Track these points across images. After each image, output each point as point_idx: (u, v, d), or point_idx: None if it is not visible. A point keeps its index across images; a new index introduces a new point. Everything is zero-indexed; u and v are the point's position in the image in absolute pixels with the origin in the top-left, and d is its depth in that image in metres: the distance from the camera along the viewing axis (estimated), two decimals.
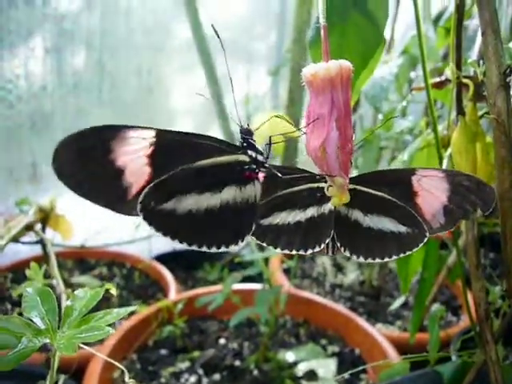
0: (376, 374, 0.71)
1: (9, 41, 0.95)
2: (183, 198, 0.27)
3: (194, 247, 0.28)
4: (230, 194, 0.28)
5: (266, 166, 0.28)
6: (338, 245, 0.32)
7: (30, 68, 0.99)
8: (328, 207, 0.32)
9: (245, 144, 0.28)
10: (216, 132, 1.23)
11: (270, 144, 0.29)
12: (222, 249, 0.28)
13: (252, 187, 0.28)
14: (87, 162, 0.25)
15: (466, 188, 0.30)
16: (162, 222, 0.27)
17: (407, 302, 0.94)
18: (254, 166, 0.28)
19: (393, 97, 0.87)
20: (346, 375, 0.72)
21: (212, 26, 0.28)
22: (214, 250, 0.28)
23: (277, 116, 0.30)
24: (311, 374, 0.72)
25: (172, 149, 0.27)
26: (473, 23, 0.72)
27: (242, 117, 0.29)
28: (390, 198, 0.31)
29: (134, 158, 0.26)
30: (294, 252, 0.32)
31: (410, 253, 0.31)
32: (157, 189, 0.26)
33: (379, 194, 0.31)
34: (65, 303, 0.43)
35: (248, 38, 1.25)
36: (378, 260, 0.32)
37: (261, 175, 0.31)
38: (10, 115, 0.96)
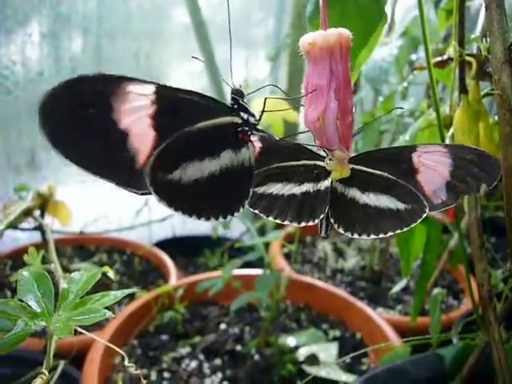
0: (377, 357, 0.71)
1: (5, 26, 0.93)
2: (187, 166, 0.25)
3: (203, 219, 0.26)
4: (227, 158, 0.27)
5: (258, 128, 0.27)
6: (332, 221, 0.32)
7: (26, 54, 0.97)
8: (324, 184, 0.32)
9: (235, 106, 0.27)
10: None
11: (263, 107, 0.28)
12: (227, 217, 0.27)
13: (246, 150, 0.27)
14: (85, 122, 0.22)
15: (469, 161, 0.29)
16: (172, 194, 0.25)
17: (408, 287, 0.94)
18: (247, 128, 0.27)
19: (393, 79, 0.86)
20: (348, 359, 0.72)
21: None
22: (220, 218, 0.27)
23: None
24: (312, 359, 0.72)
25: (173, 108, 0.25)
26: (475, 3, 0.71)
27: (231, 83, 0.28)
28: (388, 176, 0.30)
29: (136, 118, 0.23)
30: (286, 222, 0.32)
31: (406, 229, 0.30)
32: (162, 157, 0.24)
33: (377, 172, 0.30)
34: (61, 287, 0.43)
35: (246, 23, 1.23)
36: (372, 236, 0.31)
37: (258, 145, 0.31)
38: (7, 101, 0.95)
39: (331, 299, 0.83)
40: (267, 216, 0.32)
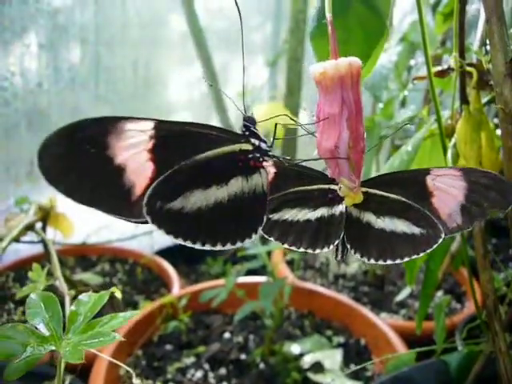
0: (382, 363, 0.71)
1: (3, 38, 0.93)
2: (190, 194, 0.25)
3: (208, 246, 0.26)
4: (237, 185, 0.26)
5: (270, 154, 0.27)
6: (349, 247, 0.32)
7: (25, 65, 0.97)
8: (339, 209, 0.31)
9: (247, 132, 0.27)
10: (215, 124, 1.22)
11: (274, 134, 0.28)
12: (237, 244, 0.27)
13: (258, 177, 0.27)
14: (81, 161, 0.23)
15: (484, 185, 0.29)
16: (171, 222, 0.25)
17: (411, 291, 0.94)
18: (258, 155, 0.27)
19: (392, 85, 0.86)
20: (353, 365, 0.72)
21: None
22: (228, 246, 0.27)
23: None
24: (317, 366, 0.72)
25: (173, 141, 0.25)
26: (472, 8, 0.71)
27: (241, 107, 0.29)
28: (403, 199, 0.30)
29: (133, 153, 0.24)
30: (301, 250, 0.32)
31: (423, 254, 0.30)
32: (161, 187, 0.25)
33: (392, 196, 0.30)
34: (68, 305, 0.43)
35: (244, 28, 1.24)
36: (389, 262, 0.31)
37: (272, 170, 0.31)
38: (6, 113, 0.95)
39: (335, 305, 0.83)
40: (282, 243, 0.32)
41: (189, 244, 0.26)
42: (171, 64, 1.21)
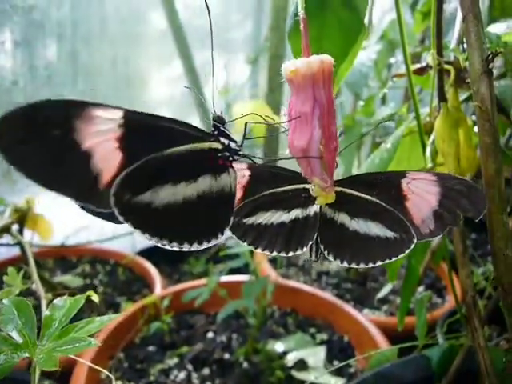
0: (365, 359, 0.71)
1: None
2: (159, 188, 0.25)
3: (175, 245, 0.26)
4: (205, 183, 0.26)
5: (240, 153, 0.27)
6: (322, 248, 0.31)
7: (0, 63, 0.95)
8: (313, 209, 0.31)
9: (216, 131, 0.26)
10: (195, 123, 1.21)
11: (244, 134, 0.27)
12: (204, 245, 0.27)
13: (227, 176, 0.27)
14: (45, 143, 0.22)
15: (458, 192, 0.28)
16: (139, 217, 0.25)
17: (393, 287, 0.95)
18: (227, 154, 0.27)
19: (372, 82, 0.86)
20: (336, 361, 0.73)
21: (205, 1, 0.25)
22: (195, 246, 0.26)
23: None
24: (301, 364, 0.72)
25: (143, 132, 0.24)
26: (449, 7, 0.72)
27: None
28: (378, 201, 0.30)
29: (102, 140, 0.23)
30: (274, 253, 0.32)
31: (395, 259, 0.30)
32: (130, 178, 0.24)
33: (367, 197, 0.30)
34: (45, 309, 0.42)
35: (225, 26, 1.23)
36: (362, 265, 0.31)
37: (247, 173, 0.30)
38: None
39: (318, 303, 0.83)
40: (256, 248, 0.31)
41: (155, 241, 0.25)
42: (151, 61, 1.20)
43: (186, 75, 1.17)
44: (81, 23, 1.04)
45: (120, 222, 0.25)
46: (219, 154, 0.26)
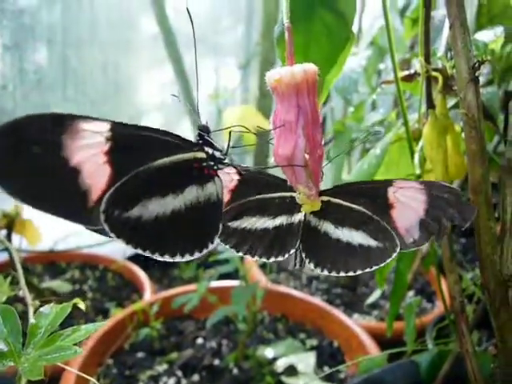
0: (355, 365, 0.71)
1: None
2: (147, 202, 0.25)
3: (167, 257, 0.26)
4: (192, 194, 0.26)
5: (224, 162, 0.27)
6: (303, 256, 0.31)
7: None
8: (298, 217, 0.31)
9: (201, 141, 0.26)
10: (187, 127, 1.21)
11: (229, 142, 0.28)
12: (195, 255, 0.27)
13: (213, 185, 0.27)
14: (33, 161, 0.21)
15: (445, 201, 0.28)
16: (130, 232, 0.25)
17: (383, 292, 0.95)
18: (212, 163, 0.26)
19: (362, 88, 0.87)
20: (326, 367, 0.72)
21: (187, 9, 0.25)
22: (187, 257, 0.26)
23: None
24: (291, 369, 0.71)
25: (129, 145, 0.24)
26: (439, 13, 0.72)
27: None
28: (363, 210, 0.30)
29: (89, 155, 0.23)
30: (255, 258, 0.31)
31: (376, 268, 0.30)
32: (119, 194, 0.24)
33: (353, 206, 0.30)
34: (32, 316, 0.41)
35: (215, 31, 1.23)
36: (342, 274, 0.31)
37: (235, 178, 0.30)
38: None
39: (307, 308, 0.83)
40: (237, 251, 0.31)
41: (148, 254, 0.25)
42: (141, 66, 1.20)
43: (176, 80, 1.17)
44: (71, 28, 1.04)
45: (106, 234, 0.25)
46: (204, 164, 0.26)
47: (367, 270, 0.30)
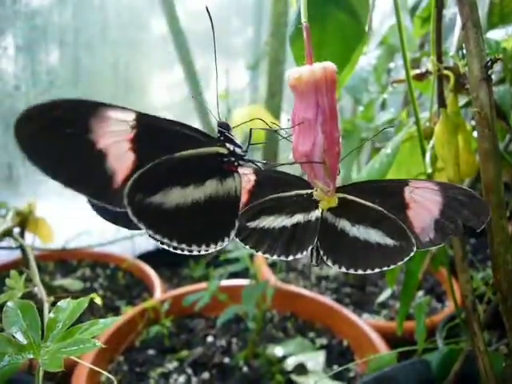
0: (365, 364, 0.71)
1: None
2: (169, 190, 0.26)
3: (184, 246, 0.27)
4: (212, 187, 0.27)
5: (245, 159, 0.28)
6: (321, 253, 0.32)
7: (2, 67, 0.96)
8: (315, 214, 0.31)
9: (222, 137, 0.27)
10: (196, 126, 1.22)
11: (249, 139, 0.28)
12: (211, 248, 0.27)
13: (232, 181, 0.28)
14: (61, 141, 0.23)
15: (460, 202, 0.28)
16: (151, 217, 0.26)
17: (392, 292, 0.95)
18: (233, 159, 0.27)
19: (372, 87, 0.87)
20: (335, 366, 0.73)
21: (206, 8, 0.26)
22: (203, 249, 0.27)
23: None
24: (300, 368, 0.72)
25: (154, 135, 0.25)
26: (449, 11, 0.72)
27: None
28: (379, 209, 0.30)
29: (115, 141, 0.24)
30: (274, 257, 0.32)
31: (393, 266, 0.30)
32: (142, 179, 0.25)
33: (369, 204, 0.30)
34: (47, 311, 0.42)
35: (225, 32, 1.24)
36: (360, 272, 0.31)
37: (252, 178, 0.31)
38: None
39: (317, 307, 0.83)
40: (256, 251, 0.32)
41: (166, 241, 0.26)
42: (152, 66, 1.20)
43: (186, 80, 1.17)
44: (83, 29, 1.05)
45: (128, 226, 0.26)
46: (225, 159, 0.27)
47: (385, 268, 0.30)
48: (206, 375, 0.71)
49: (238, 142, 0.27)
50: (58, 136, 0.23)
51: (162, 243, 0.26)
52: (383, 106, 0.86)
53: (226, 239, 0.28)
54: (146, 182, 0.25)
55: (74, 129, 0.23)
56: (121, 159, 0.24)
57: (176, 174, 0.26)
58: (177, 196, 0.26)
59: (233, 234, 0.28)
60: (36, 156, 0.23)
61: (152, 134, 0.25)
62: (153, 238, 0.26)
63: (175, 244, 0.26)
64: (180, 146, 0.26)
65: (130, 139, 0.24)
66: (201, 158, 0.26)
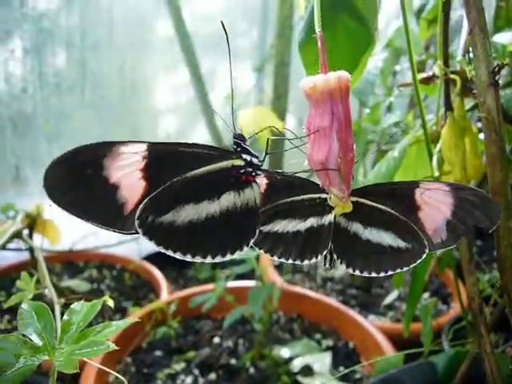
0: (371, 365, 0.71)
1: None
2: (181, 208, 0.26)
3: (198, 259, 0.27)
4: (228, 199, 0.27)
5: (262, 168, 0.28)
6: (335, 257, 0.32)
7: (9, 70, 0.96)
8: (328, 218, 0.32)
9: (238, 149, 0.28)
10: (202, 129, 1.22)
11: (266, 149, 0.28)
12: (227, 256, 0.28)
13: (251, 191, 0.28)
14: (80, 181, 0.25)
15: (472, 203, 0.29)
16: (162, 235, 0.26)
17: (399, 294, 0.95)
18: (250, 169, 0.28)
19: (378, 90, 0.87)
20: (341, 367, 0.73)
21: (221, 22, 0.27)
22: (218, 258, 0.28)
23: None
24: (307, 369, 0.72)
25: (165, 160, 0.26)
26: (455, 14, 0.72)
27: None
28: (391, 211, 0.30)
29: (127, 173, 0.25)
30: (289, 261, 0.32)
31: (406, 269, 0.30)
32: (153, 202, 0.26)
33: (381, 207, 0.30)
34: (58, 313, 0.42)
35: (231, 34, 1.24)
36: (373, 274, 0.31)
37: (264, 181, 0.31)
38: None
39: (323, 309, 0.83)
40: (271, 255, 0.32)
41: (178, 256, 0.27)
42: (158, 68, 1.21)
43: (191, 82, 1.18)
44: (89, 31, 1.06)
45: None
46: (242, 171, 0.27)
47: (398, 270, 0.31)
48: (212, 376, 0.71)
49: (254, 152, 0.27)
50: (77, 178, 0.25)
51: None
52: (389, 108, 0.87)
53: (245, 247, 0.28)
54: (157, 204, 0.26)
55: (91, 170, 0.25)
56: (133, 188, 0.26)
57: (188, 193, 0.27)
58: (190, 213, 0.27)
59: (252, 241, 0.28)
60: (59, 198, 0.25)
61: (163, 159, 0.26)
62: (164, 252, 0.27)
63: (188, 257, 0.27)
64: (193, 165, 0.26)
65: (142, 169, 0.26)
66: (215, 173, 0.27)
